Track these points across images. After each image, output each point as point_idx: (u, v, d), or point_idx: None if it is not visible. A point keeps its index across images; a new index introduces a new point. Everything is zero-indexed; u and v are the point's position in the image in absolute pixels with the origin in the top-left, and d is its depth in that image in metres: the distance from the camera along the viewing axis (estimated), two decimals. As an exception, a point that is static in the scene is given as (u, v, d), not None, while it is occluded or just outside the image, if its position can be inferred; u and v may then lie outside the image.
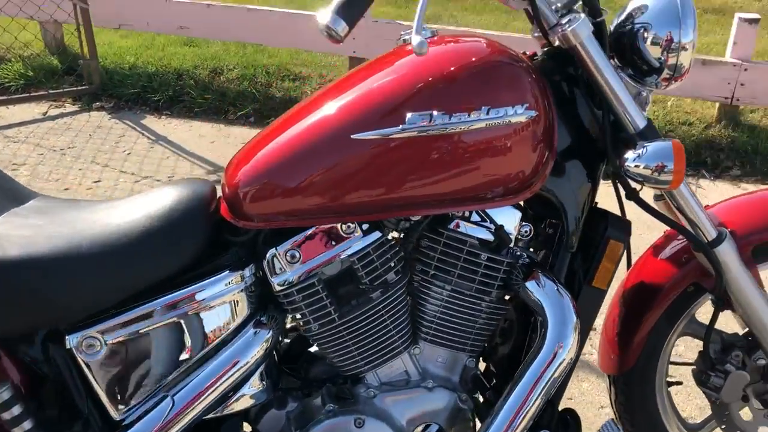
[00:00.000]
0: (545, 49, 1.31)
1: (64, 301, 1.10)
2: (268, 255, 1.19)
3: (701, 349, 1.46)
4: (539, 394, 1.21)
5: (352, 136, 1.12)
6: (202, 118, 3.80)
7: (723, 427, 1.49)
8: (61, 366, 1.13)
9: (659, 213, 1.31)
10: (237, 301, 1.19)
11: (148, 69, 4.07)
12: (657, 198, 1.36)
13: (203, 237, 1.19)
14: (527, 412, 1.21)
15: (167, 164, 3.31)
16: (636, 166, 1.17)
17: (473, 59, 1.16)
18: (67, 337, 1.12)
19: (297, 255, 1.18)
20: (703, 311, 1.47)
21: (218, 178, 3.26)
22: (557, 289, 1.24)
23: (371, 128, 1.11)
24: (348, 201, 1.15)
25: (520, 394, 1.21)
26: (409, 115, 1.11)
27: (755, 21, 3.50)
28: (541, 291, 1.23)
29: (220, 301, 1.18)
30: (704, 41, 4.61)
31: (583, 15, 1.18)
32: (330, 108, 1.18)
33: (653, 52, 1.22)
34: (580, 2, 1.24)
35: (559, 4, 1.23)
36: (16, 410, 1.10)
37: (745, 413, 1.47)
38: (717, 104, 3.60)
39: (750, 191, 1.46)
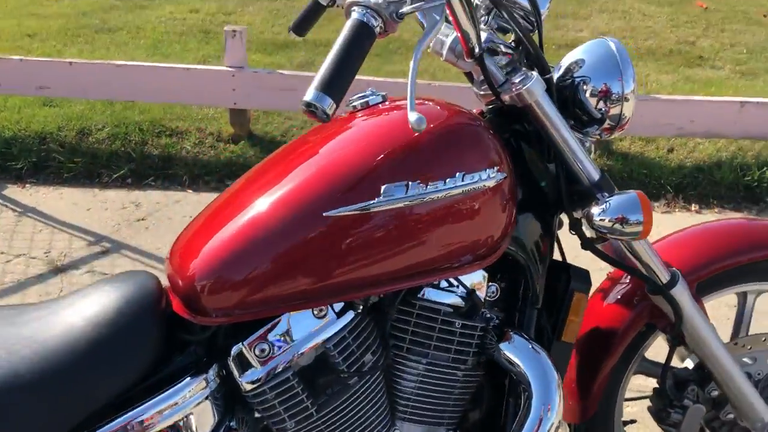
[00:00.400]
0: (491, 106, 1.30)
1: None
2: (233, 351, 1.07)
3: (654, 385, 1.50)
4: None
5: (324, 214, 1.04)
6: (72, 184, 3.50)
7: None
8: None
9: (616, 261, 1.33)
10: (203, 411, 1.06)
11: (4, 134, 3.72)
12: (593, 241, 1.34)
13: (157, 341, 1.05)
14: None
15: (42, 238, 3.02)
16: (601, 219, 1.17)
17: (438, 124, 1.12)
18: None
19: (267, 348, 1.07)
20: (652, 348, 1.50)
21: (102, 249, 3.05)
22: (533, 348, 1.21)
23: (346, 203, 1.04)
24: (320, 283, 1.07)
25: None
26: (384, 186, 1.05)
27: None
28: (518, 352, 1.20)
29: (184, 414, 1.05)
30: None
31: (535, 73, 1.18)
32: (289, 185, 1.09)
33: (595, 104, 1.25)
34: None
35: (503, 62, 1.23)
36: None
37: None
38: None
39: (682, 228, 1.51)
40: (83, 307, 1.04)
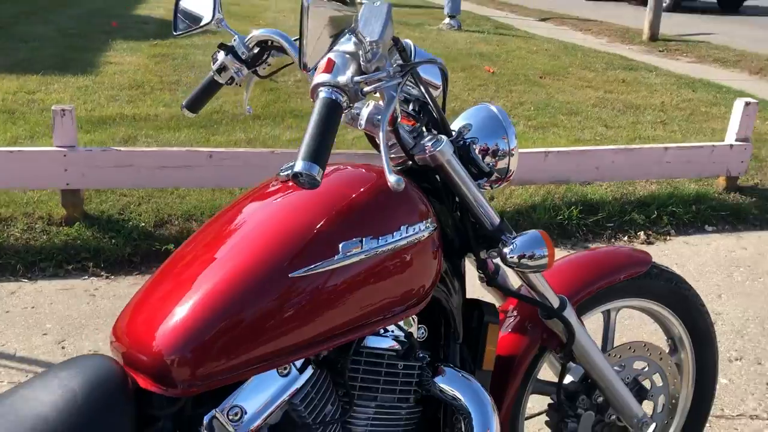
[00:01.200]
0: (399, 168, 1.45)
1: None
2: (205, 420, 1.09)
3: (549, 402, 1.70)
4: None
5: (290, 275, 1.11)
6: None
7: None
8: None
9: (515, 292, 1.52)
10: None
11: None
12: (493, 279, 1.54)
13: (130, 422, 1.05)
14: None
15: None
16: (511, 257, 1.35)
17: (374, 183, 1.25)
18: None
19: (239, 411, 1.11)
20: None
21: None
22: (464, 377, 1.35)
23: (309, 263, 1.12)
24: (286, 343, 1.13)
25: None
26: (341, 245, 1.14)
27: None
28: (452, 383, 1.34)
29: None
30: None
31: (444, 137, 1.35)
32: (246, 251, 1.15)
33: (484, 160, 1.45)
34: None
35: (408, 128, 1.39)
36: None
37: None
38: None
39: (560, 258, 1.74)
40: (49, 398, 1.01)
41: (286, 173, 1.30)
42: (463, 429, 1.34)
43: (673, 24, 11.02)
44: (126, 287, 3.23)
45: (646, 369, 1.80)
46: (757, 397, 2.51)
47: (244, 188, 3.93)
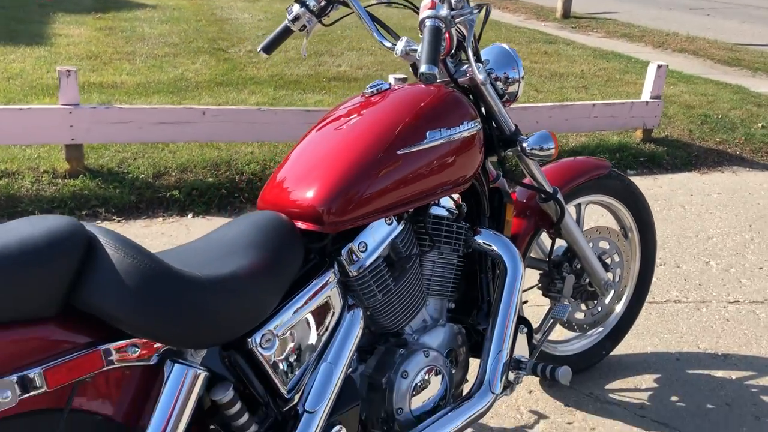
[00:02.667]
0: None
1: (248, 314, 1.35)
2: (343, 251, 1.59)
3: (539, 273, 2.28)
4: (515, 309, 1.84)
5: (397, 152, 1.62)
6: None
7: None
8: (243, 364, 1.37)
9: (522, 182, 2.08)
10: (336, 292, 1.56)
11: None
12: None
13: (301, 255, 1.53)
14: (513, 321, 1.84)
15: None
16: (531, 148, 1.91)
17: (440, 91, 1.76)
18: (249, 339, 1.37)
19: (364, 245, 1.61)
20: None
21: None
22: (496, 234, 1.90)
23: (408, 144, 1.63)
24: (391, 200, 1.63)
25: (504, 310, 1.83)
26: (427, 132, 1.66)
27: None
28: (488, 238, 1.88)
29: (325, 297, 1.53)
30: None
31: (480, 65, 1.87)
32: (362, 136, 1.64)
33: (500, 85, 1.99)
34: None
35: (450, 63, 1.90)
36: (237, 405, 1.32)
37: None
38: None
39: (553, 161, 2.30)
40: (245, 237, 1.46)
41: (371, 90, 1.80)
42: (497, 272, 1.88)
43: (582, 3, 11.90)
44: (139, 228, 3.61)
45: (608, 248, 2.41)
46: (678, 288, 3.19)
47: (234, 142, 4.36)
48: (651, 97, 4.98)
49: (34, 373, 1.09)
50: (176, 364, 1.25)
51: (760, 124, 5.63)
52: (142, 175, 3.98)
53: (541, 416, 2.28)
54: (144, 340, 1.22)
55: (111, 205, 3.76)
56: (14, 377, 1.07)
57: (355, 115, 1.74)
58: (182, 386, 1.24)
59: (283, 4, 9.50)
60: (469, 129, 1.75)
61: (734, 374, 2.55)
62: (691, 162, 4.94)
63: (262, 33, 7.78)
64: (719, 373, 2.55)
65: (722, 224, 3.97)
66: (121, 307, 1.16)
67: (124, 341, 1.20)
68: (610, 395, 2.41)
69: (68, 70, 3.78)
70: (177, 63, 6.42)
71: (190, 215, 3.80)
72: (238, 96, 5.51)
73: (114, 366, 1.19)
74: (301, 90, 5.82)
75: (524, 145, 1.92)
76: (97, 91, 5.36)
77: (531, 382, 2.44)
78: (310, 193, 1.57)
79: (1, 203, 3.62)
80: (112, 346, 1.18)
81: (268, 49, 2.13)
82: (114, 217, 3.70)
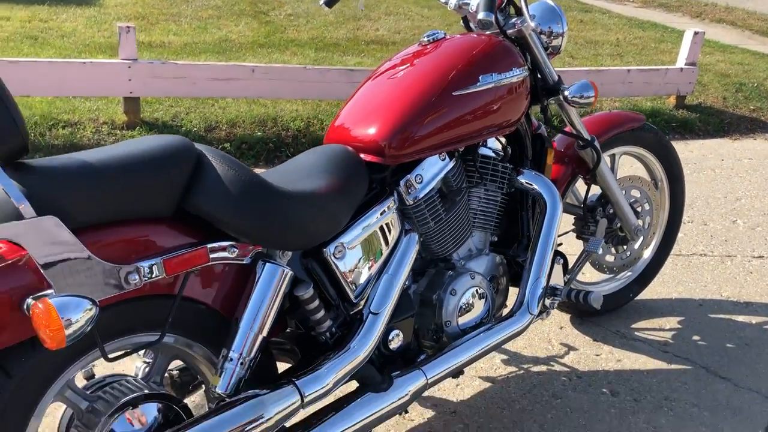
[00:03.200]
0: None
1: (325, 226, 1.57)
2: (402, 182, 1.78)
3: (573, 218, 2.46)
4: (552, 243, 2.03)
5: (453, 94, 1.80)
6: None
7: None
8: (319, 270, 1.59)
9: (562, 130, 2.26)
10: (395, 217, 1.77)
11: None
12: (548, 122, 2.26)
13: (368, 179, 1.73)
14: (550, 253, 2.02)
15: None
16: (573, 96, 2.08)
17: (491, 39, 1.93)
18: (324, 249, 1.58)
19: (420, 178, 1.81)
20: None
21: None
22: (537, 174, 2.08)
23: (462, 87, 1.81)
24: (446, 138, 1.82)
25: (543, 243, 2.02)
26: (480, 76, 1.84)
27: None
28: (530, 178, 2.06)
29: (387, 219, 1.74)
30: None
31: (528, 17, 2.03)
32: (421, 78, 1.82)
33: (544, 38, 2.15)
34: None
35: (500, 16, 2.07)
36: (315, 302, 1.54)
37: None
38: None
39: (590, 114, 2.47)
40: (322, 164, 1.66)
41: (427, 39, 1.98)
42: (536, 209, 2.07)
43: (620, -28, 11.83)
44: (193, 177, 3.84)
45: (639, 196, 2.58)
46: (704, 243, 3.35)
47: (279, 100, 4.56)
48: (686, 64, 5.07)
49: (156, 262, 1.31)
50: (267, 264, 1.46)
51: (794, 94, 5.69)
52: (195, 129, 4.21)
53: (570, 348, 2.48)
54: (241, 243, 1.44)
55: (166, 156, 3.99)
56: (141, 264, 1.29)
57: (414, 60, 1.92)
58: (272, 282, 1.45)
59: (321, -31, 9.61)
60: (517, 75, 1.92)
61: (755, 319, 2.72)
62: (723, 128, 5.04)
63: (300, -2, 7.94)
64: (740, 318, 2.72)
65: (751, 187, 4.09)
66: (224, 211, 1.37)
67: (225, 242, 1.41)
68: (635, 333, 2.59)
69: (128, 27, 4.00)
70: (221, 25, 6.62)
71: (240, 166, 4.02)
72: (281, 57, 5.70)
73: (216, 262, 1.41)
74: (340, 52, 5.99)
75: (566, 93, 2.09)
76: (147, 50, 5.58)
77: (562, 318, 2.63)
78: (373, 129, 1.77)
79: (67, 150, 3.88)
80: (216, 245, 1.40)
81: (330, 2, 2.31)
82: (169, 167, 3.93)
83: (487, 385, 2.26)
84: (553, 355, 2.44)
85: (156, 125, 4.24)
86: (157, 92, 4.18)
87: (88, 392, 1.39)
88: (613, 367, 2.39)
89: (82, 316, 1.12)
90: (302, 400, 1.47)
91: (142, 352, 1.52)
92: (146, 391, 1.39)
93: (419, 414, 2.10)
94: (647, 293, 2.80)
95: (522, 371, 2.34)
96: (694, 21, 8.90)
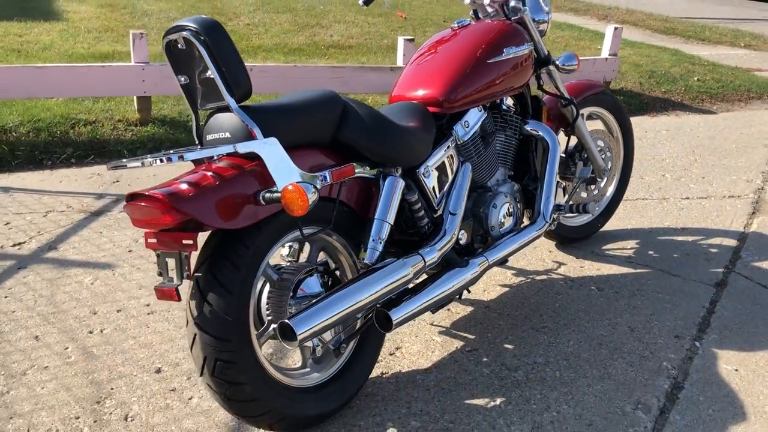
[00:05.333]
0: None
1: (423, 150, 2.22)
2: (455, 126, 2.46)
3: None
4: (555, 172, 2.75)
5: (488, 62, 2.50)
6: (22, 170, 4.09)
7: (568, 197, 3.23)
8: (413, 184, 2.24)
9: (548, 92, 3.00)
10: (454, 152, 2.44)
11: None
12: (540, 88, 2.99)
13: (434, 124, 2.39)
14: (554, 180, 2.75)
15: (47, 200, 3.67)
16: (562, 64, 2.82)
17: (503, 23, 2.64)
18: (417, 169, 2.23)
19: (468, 123, 2.49)
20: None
21: (112, 198, 3.79)
22: (539, 123, 2.81)
23: (493, 56, 2.51)
24: (483, 94, 2.51)
25: (549, 172, 2.74)
26: (504, 49, 2.55)
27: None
28: (534, 126, 2.79)
29: (448, 153, 2.41)
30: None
31: (527, 9, 2.76)
32: (464, 49, 2.50)
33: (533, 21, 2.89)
34: None
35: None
36: (419, 204, 2.19)
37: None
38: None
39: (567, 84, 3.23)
40: (407, 112, 2.31)
41: (457, 24, 2.67)
42: (540, 149, 2.80)
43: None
44: (210, 163, 4.38)
45: (603, 146, 3.35)
46: (644, 191, 4.18)
47: (276, 94, 5.14)
48: (609, 55, 5.98)
49: (327, 173, 1.94)
50: (389, 176, 2.11)
51: (695, 78, 6.73)
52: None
53: (560, 264, 3.21)
54: (372, 162, 2.08)
55: (181, 147, 4.51)
56: (321, 173, 1.92)
57: (453, 39, 2.62)
58: (393, 188, 2.10)
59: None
60: (527, 48, 2.65)
61: (690, 238, 3.54)
62: (642, 107, 5.98)
63: (252, 9, 8.49)
64: (680, 238, 3.54)
65: (671, 150, 5.00)
66: (365, 138, 2.01)
67: (362, 162, 2.05)
68: (606, 252, 3.36)
69: (141, 33, 4.50)
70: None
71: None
72: (255, 61, 6.26)
73: (357, 176, 2.04)
74: (306, 56, 6.61)
75: (557, 62, 2.83)
76: (126, 59, 6.02)
77: (550, 245, 3.37)
78: (433, 89, 2.44)
79: (92, 145, 4.34)
80: (357, 164, 2.03)
81: (368, 1, 2.97)
82: (187, 155, 4.46)
83: (506, 289, 2.96)
84: (549, 269, 3.16)
85: (165, 121, 4.74)
86: (166, 91, 4.69)
87: (278, 269, 2.00)
88: (595, 273, 3.14)
89: (311, 195, 1.74)
90: (425, 264, 2.12)
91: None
92: (315, 265, 2.01)
93: (463, 309, 2.78)
94: (609, 225, 3.57)
95: (529, 279, 3.05)
96: (602, 22, 10.01)
